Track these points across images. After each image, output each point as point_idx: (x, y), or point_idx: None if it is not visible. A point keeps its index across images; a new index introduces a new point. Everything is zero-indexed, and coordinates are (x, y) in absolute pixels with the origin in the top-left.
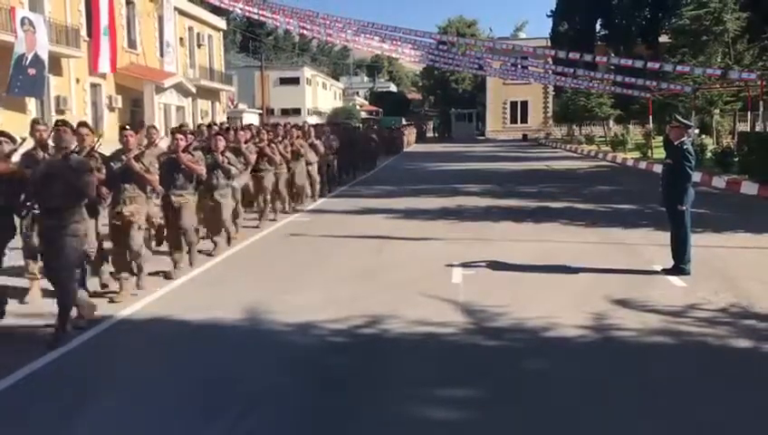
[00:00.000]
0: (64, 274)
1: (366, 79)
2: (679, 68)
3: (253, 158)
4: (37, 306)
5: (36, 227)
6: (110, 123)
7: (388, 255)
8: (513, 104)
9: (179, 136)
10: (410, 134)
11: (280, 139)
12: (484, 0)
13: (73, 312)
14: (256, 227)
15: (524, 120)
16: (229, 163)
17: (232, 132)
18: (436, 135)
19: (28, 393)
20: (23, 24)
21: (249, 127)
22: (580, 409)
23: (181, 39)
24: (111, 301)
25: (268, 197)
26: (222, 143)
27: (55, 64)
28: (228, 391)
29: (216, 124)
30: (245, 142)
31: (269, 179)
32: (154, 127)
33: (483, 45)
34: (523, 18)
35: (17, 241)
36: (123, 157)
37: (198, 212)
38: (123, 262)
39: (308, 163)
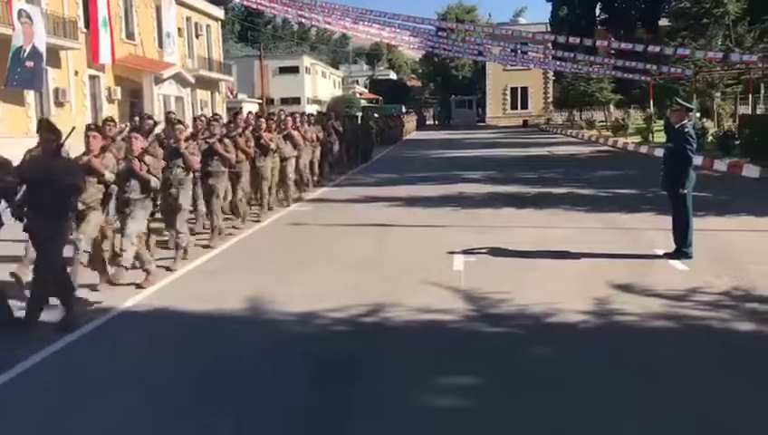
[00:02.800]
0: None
1: (365, 67)
2: (680, 51)
3: (195, 161)
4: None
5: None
6: (110, 114)
7: (389, 243)
8: (514, 90)
9: (134, 136)
10: (410, 122)
11: (240, 131)
12: None
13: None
14: (206, 246)
15: (525, 106)
16: (149, 171)
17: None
18: (437, 122)
19: (28, 386)
20: (20, 16)
21: (235, 116)
22: (582, 394)
23: (179, 29)
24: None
25: (217, 206)
26: (139, 144)
27: (53, 57)
28: (229, 381)
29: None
30: (186, 141)
31: (222, 182)
32: (111, 119)
33: (482, 31)
34: (522, 3)
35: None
36: (84, 158)
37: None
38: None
39: (282, 159)
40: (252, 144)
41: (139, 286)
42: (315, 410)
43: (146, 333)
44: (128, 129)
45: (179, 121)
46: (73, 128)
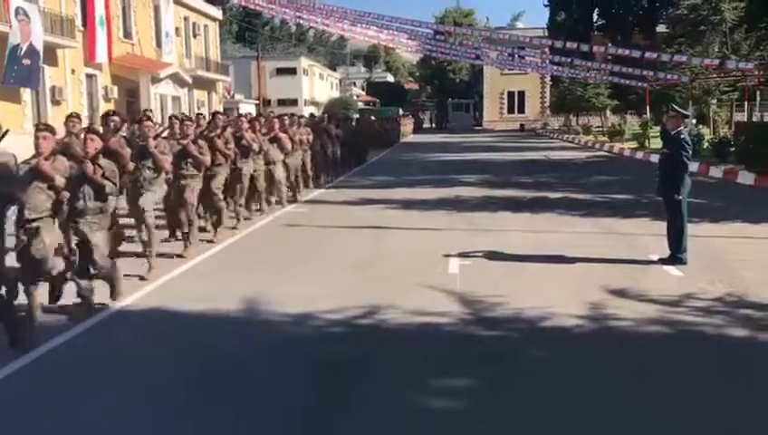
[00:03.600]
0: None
1: (363, 69)
2: (677, 58)
3: (165, 160)
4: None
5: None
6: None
7: (385, 245)
8: (511, 94)
9: (90, 137)
10: (407, 124)
11: (218, 132)
12: None
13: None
14: (179, 255)
15: (522, 110)
16: (104, 175)
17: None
18: (434, 125)
19: (23, 385)
20: (17, 14)
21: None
22: (577, 398)
23: (177, 29)
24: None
25: (190, 214)
26: (94, 145)
27: (50, 55)
28: (225, 381)
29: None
30: (156, 139)
31: (195, 187)
32: (75, 115)
33: (480, 35)
34: (520, 8)
35: None
36: (32, 162)
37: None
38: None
39: (268, 162)
40: (232, 145)
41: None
42: (311, 411)
43: (141, 333)
44: (119, 126)
45: (148, 118)
46: (7, 130)
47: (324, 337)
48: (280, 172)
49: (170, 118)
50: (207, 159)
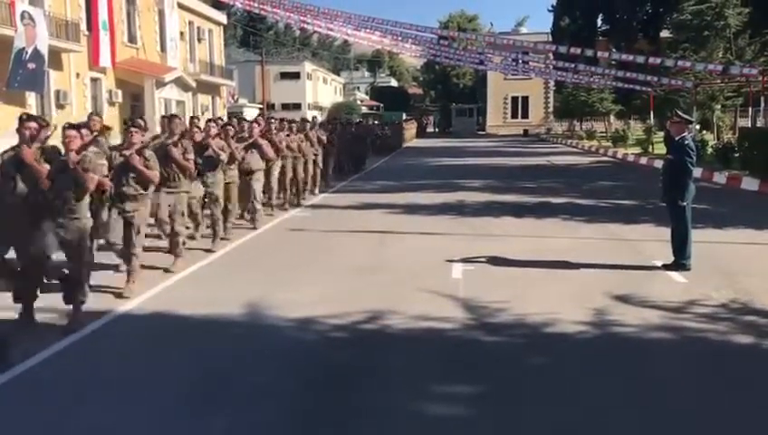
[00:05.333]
0: None
1: (367, 74)
2: (680, 63)
3: (88, 178)
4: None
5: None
6: (111, 118)
7: (388, 250)
8: (514, 99)
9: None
10: (410, 129)
11: (175, 139)
12: None
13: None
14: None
15: (525, 115)
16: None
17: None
18: (437, 130)
19: (24, 392)
20: (22, 18)
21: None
22: (580, 404)
23: (182, 33)
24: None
25: (131, 251)
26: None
27: (55, 59)
28: (228, 387)
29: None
30: (79, 152)
31: (142, 209)
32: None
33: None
34: (524, 13)
35: None
36: None
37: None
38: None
39: (247, 172)
40: (191, 156)
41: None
42: (312, 417)
43: (142, 337)
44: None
45: (71, 126)
46: (56, 126)
47: (327, 342)
48: (257, 185)
49: (125, 122)
50: (155, 173)
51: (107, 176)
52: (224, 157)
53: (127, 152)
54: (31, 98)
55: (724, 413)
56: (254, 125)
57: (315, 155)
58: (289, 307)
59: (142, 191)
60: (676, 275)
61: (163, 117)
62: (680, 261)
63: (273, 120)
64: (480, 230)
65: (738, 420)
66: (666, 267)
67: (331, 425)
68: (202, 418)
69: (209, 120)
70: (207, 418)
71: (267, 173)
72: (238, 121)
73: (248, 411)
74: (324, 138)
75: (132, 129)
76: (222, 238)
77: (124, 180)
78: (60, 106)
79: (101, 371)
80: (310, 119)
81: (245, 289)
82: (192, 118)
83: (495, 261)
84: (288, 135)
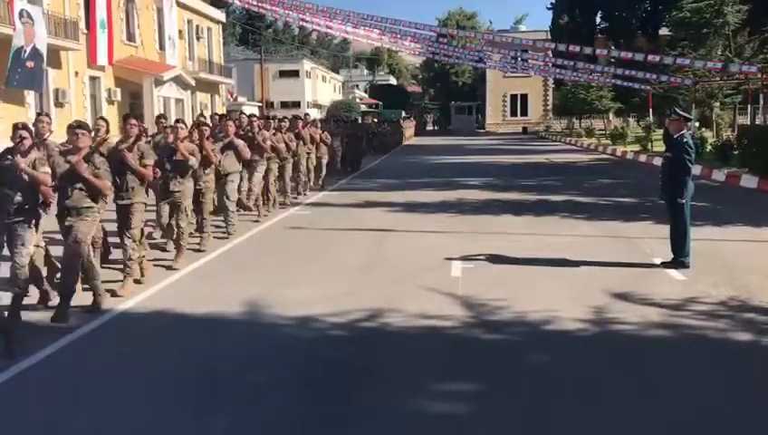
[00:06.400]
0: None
1: (366, 72)
2: (679, 61)
3: (44, 182)
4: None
5: None
6: (110, 116)
7: (387, 248)
8: (513, 97)
9: (180, 126)
10: (409, 127)
11: (130, 143)
12: None
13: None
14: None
15: (524, 113)
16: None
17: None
18: (436, 128)
19: (25, 389)
20: (21, 16)
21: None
22: (579, 402)
23: (180, 32)
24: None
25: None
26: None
27: (54, 57)
28: (228, 385)
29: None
30: (25, 155)
31: (87, 222)
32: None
33: (482, 38)
34: (523, 11)
35: None
36: None
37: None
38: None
39: (223, 175)
40: (150, 161)
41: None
42: (312, 415)
43: (142, 336)
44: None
45: (23, 126)
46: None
47: (326, 340)
48: (232, 188)
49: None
50: (106, 182)
51: (51, 186)
52: (193, 161)
53: (73, 158)
54: (29, 96)
55: (724, 410)
56: (229, 123)
57: (309, 153)
58: (288, 305)
59: (90, 204)
60: (675, 273)
61: (124, 116)
62: (679, 258)
63: (273, 119)
64: (479, 228)
65: (738, 418)
66: (665, 265)
67: (332, 424)
68: (202, 418)
69: (177, 120)
70: (207, 418)
71: (250, 174)
72: (266, 119)
73: (248, 411)
74: (318, 136)
75: (78, 130)
76: (198, 250)
77: (70, 191)
78: (59, 105)
79: (101, 370)
80: (303, 116)
81: (244, 287)
82: (199, 116)
83: (495, 259)
84: (275, 133)
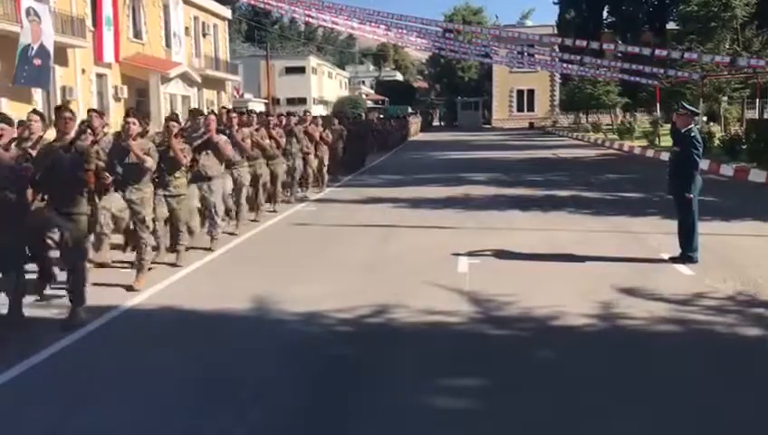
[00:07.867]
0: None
1: (372, 68)
2: (687, 55)
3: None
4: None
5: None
6: (116, 113)
7: (393, 244)
8: (520, 92)
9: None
10: (415, 123)
11: (89, 142)
12: None
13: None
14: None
15: (531, 108)
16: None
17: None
18: (443, 124)
19: (30, 385)
20: (28, 14)
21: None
22: (586, 398)
23: (186, 28)
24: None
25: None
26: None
27: (61, 55)
28: (234, 381)
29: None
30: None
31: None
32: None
33: (489, 33)
34: (529, 6)
35: None
36: None
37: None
38: None
39: (202, 179)
40: (91, 166)
41: None
42: (317, 411)
43: (148, 332)
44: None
45: (34, 112)
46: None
47: (332, 336)
48: (215, 196)
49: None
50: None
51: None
52: (150, 163)
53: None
54: (37, 94)
55: (733, 405)
56: (211, 118)
57: (305, 153)
58: (294, 302)
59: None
60: (683, 268)
61: (126, 112)
62: (687, 253)
63: (280, 117)
64: (486, 224)
65: (747, 412)
66: (673, 260)
67: (336, 420)
68: (209, 415)
69: (127, 114)
70: (214, 415)
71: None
72: (248, 114)
73: (255, 407)
74: (318, 134)
75: (33, 122)
76: (174, 265)
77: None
78: (66, 102)
79: (102, 369)
80: (301, 113)
81: (251, 284)
82: (210, 112)
83: (501, 254)
84: (257, 129)
